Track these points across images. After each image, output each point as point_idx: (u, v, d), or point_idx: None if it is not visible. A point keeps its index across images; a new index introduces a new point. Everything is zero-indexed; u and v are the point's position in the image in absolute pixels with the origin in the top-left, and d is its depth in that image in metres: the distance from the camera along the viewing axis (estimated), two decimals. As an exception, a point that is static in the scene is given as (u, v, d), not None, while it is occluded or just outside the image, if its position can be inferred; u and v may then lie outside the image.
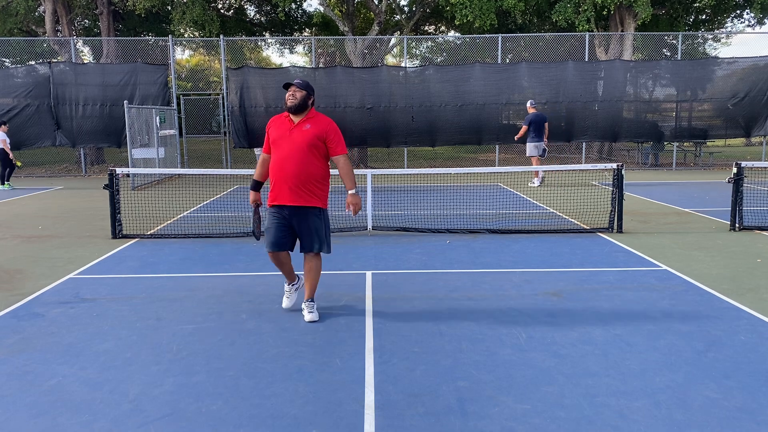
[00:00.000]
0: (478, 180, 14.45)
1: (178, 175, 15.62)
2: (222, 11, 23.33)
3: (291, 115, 4.52)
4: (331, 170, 4.69)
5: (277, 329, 4.51)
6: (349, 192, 4.56)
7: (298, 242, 4.71)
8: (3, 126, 14.03)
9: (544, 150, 13.58)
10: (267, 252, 4.65)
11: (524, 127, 13.44)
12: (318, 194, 4.56)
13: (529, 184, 13.47)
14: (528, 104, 13.88)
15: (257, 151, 16.79)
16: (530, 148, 13.44)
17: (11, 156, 13.86)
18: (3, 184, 13.91)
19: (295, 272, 4.97)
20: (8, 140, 13.93)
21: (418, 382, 3.62)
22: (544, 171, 14.69)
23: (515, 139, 14.05)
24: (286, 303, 4.97)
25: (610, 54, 18.97)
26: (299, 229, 4.58)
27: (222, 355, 4.05)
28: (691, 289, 5.49)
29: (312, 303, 4.76)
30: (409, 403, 3.36)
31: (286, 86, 4.51)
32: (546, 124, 13.55)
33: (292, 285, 4.96)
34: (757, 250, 7.01)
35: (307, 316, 4.67)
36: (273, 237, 4.59)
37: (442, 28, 25.82)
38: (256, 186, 4.79)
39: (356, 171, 9.84)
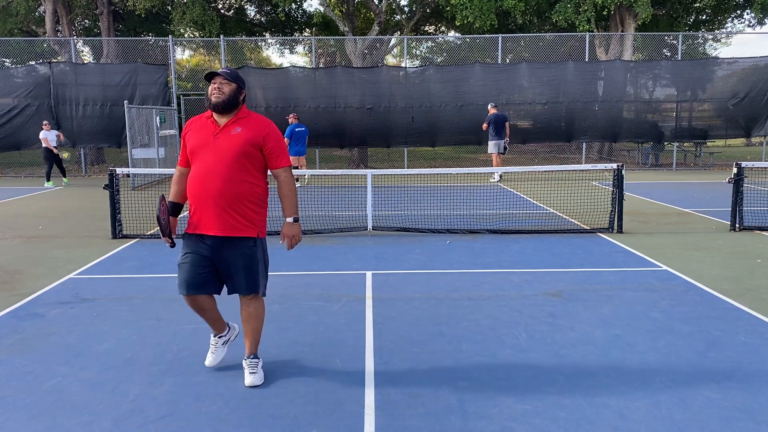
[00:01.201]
0: (478, 180, 14.45)
1: (178, 175, 15.59)
2: (222, 11, 23.33)
3: (215, 116, 3.45)
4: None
5: (277, 329, 4.50)
6: (287, 220, 3.54)
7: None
8: (46, 124, 14.55)
9: (506, 148, 14.73)
10: (182, 296, 3.56)
11: (485, 124, 14.59)
12: (254, 220, 3.48)
13: (491, 180, 14.37)
14: (489, 106, 14.90)
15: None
16: (491, 146, 14.56)
17: (56, 151, 14.41)
18: (65, 178, 14.89)
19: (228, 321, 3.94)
20: (49, 138, 14.41)
21: (418, 382, 3.62)
22: (544, 171, 14.84)
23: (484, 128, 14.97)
24: (210, 359, 3.81)
25: (610, 54, 18.97)
26: (225, 266, 3.51)
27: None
28: (691, 289, 5.49)
29: (255, 361, 3.65)
30: (409, 403, 3.36)
31: (210, 76, 3.44)
32: (507, 124, 14.61)
33: (219, 337, 3.81)
34: (758, 251, 7.01)
35: (248, 379, 3.58)
36: (188, 275, 3.49)
37: (442, 28, 25.82)
38: (175, 210, 3.65)
39: (356, 171, 9.89)
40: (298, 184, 13.88)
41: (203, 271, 3.50)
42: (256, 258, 3.52)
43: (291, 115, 14.03)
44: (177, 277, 3.56)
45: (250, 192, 3.44)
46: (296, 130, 13.72)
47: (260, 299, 3.63)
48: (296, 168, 13.90)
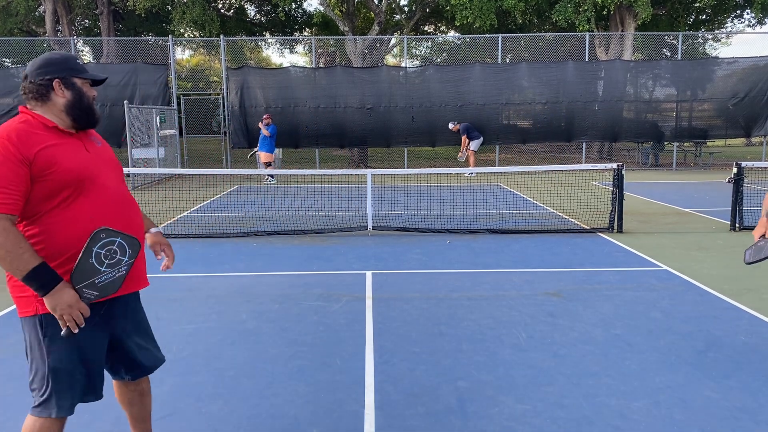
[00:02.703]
0: (478, 180, 14.45)
1: (178, 175, 15.63)
2: (222, 11, 23.34)
3: (60, 123, 2.37)
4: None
5: (277, 329, 4.50)
6: (158, 230, 2.72)
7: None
8: None
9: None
10: (54, 417, 2.24)
11: (464, 137, 15.68)
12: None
13: (470, 174, 15.00)
14: (450, 125, 15.97)
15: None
16: (474, 144, 15.80)
17: None
18: None
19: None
20: None
21: (418, 382, 3.62)
22: (544, 171, 14.97)
23: (459, 156, 16.00)
24: None
25: (610, 54, 18.97)
26: (128, 334, 2.45)
27: (222, 355, 4.05)
28: (691, 289, 5.49)
29: None
30: (409, 403, 3.36)
31: (79, 72, 2.47)
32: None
33: None
34: (757, 250, 7.00)
35: None
36: (87, 380, 2.30)
37: (442, 28, 25.82)
38: (54, 278, 2.09)
39: (356, 171, 9.89)
40: (273, 181, 14.30)
41: (102, 363, 2.42)
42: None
43: (266, 116, 14.76)
44: (52, 388, 2.21)
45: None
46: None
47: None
48: (269, 164, 14.51)
